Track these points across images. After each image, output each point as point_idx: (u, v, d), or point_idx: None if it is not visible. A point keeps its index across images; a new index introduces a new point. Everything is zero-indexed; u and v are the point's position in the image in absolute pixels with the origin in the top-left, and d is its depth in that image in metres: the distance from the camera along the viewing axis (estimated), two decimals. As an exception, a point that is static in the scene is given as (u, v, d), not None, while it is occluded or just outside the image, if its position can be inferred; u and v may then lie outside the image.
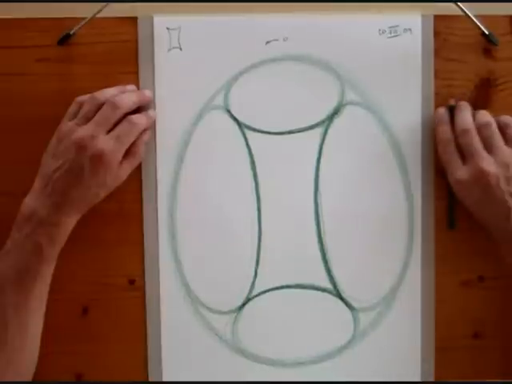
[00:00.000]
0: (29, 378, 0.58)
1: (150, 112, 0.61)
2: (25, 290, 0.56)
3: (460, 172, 0.59)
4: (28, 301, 0.56)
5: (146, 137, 0.61)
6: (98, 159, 0.56)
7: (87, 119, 0.58)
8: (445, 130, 0.61)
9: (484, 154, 0.59)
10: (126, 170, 0.60)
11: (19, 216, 0.57)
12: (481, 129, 0.60)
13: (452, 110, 0.62)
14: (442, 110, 0.62)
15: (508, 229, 0.59)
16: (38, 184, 0.57)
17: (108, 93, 0.59)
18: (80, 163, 0.56)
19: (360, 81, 0.63)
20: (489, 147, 0.59)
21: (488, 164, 0.58)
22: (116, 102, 0.58)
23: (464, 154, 0.60)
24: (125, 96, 0.59)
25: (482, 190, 0.58)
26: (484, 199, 0.59)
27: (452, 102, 0.62)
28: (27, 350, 0.57)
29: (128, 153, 0.59)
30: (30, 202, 0.57)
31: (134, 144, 0.59)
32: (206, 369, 0.64)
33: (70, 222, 0.58)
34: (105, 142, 0.57)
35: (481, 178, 0.58)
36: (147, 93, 0.61)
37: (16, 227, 0.56)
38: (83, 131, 0.57)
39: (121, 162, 0.59)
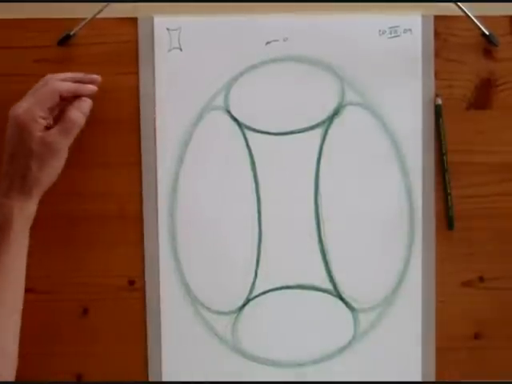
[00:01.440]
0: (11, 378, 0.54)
1: (88, 85, 0.59)
2: None
3: None
4: None
5: (84, 105, 0.58)
6: (12, 122, 0.56)
7: None
8: None
9: None
10: (56, 136, 0.56)
11: None
12: None
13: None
14: None
15: None
16: None
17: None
18: (4, 132, 0.56)
19: (360, 81, 0.63)
20: None
21: None
22: (46, 76, 0.58)
23: None
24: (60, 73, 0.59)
25: None
26: None
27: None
28: None
29: (59, 119, 0.57)
30: None
31: (64, 109, 0.58)
32: (206, 369, 0.64)
33: (13, 205, 0.55)
34: (20, 105, 0.56)
35: None
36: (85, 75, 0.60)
37: None
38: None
39: (48, 128, 0.57)
